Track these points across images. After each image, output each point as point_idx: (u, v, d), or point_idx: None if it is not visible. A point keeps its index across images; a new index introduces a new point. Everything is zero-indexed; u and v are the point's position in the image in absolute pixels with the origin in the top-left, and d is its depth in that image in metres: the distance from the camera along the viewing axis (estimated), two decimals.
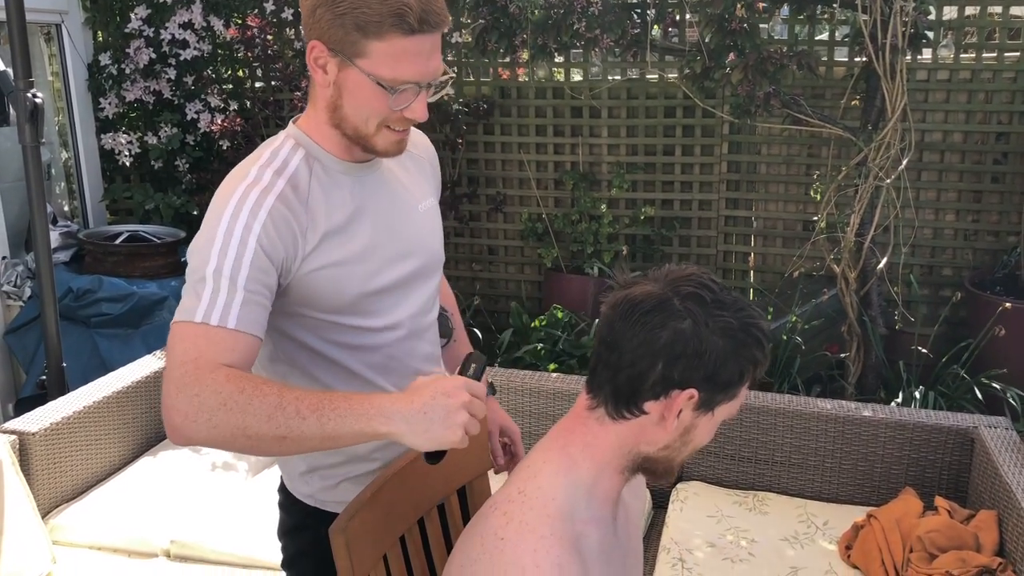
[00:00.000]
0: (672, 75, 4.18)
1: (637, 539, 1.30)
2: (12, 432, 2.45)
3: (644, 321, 1.07)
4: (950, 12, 4.06)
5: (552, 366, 3.70)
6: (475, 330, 4.23)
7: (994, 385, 3.44)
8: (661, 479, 1.19)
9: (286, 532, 1.50)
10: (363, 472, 1.42)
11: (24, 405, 3.13)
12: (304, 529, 1.45)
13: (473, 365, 1.19)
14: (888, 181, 3.46)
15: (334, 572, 1.21)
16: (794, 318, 3.79)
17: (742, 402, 1.15)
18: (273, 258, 1.20)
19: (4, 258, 3.75)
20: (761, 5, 3.53)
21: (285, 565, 1.50)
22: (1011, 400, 3.30)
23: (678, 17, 3.80)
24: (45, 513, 2.50)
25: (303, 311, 1.28)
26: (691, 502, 2.62)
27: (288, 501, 1.48)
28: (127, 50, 4.29)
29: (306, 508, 1.44)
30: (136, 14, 4.25)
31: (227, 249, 1.17)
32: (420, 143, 1.53)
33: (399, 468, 1.32)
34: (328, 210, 1.27)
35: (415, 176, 1.47)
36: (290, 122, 1.35)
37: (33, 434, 2.45)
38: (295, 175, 1.26)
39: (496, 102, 4.50)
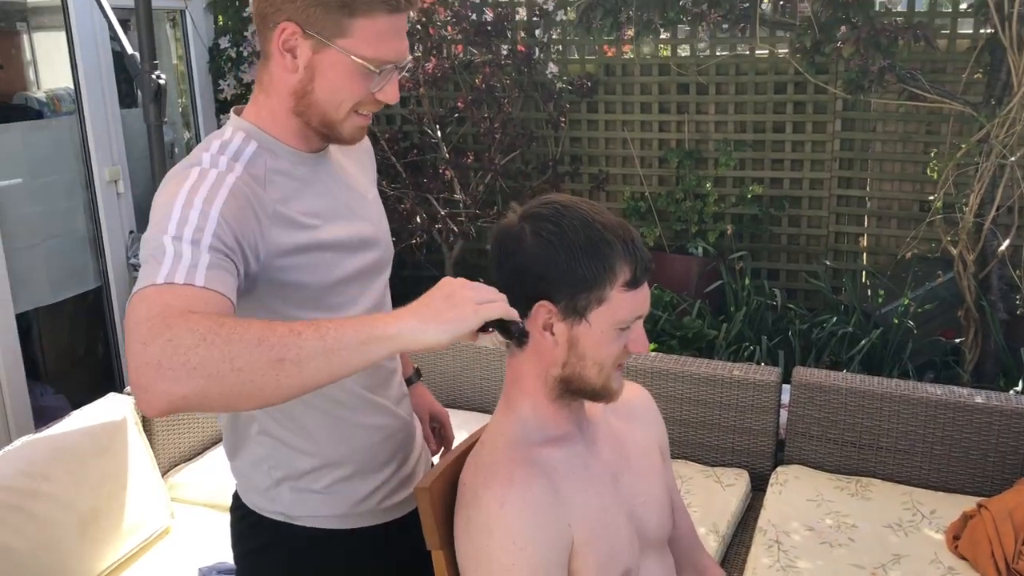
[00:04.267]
0: (782, 50, 4.06)
1: (642, 460, 1.33)
2: None
3: (500, 250, 1.19)
4: None
5: (653, 346, 3.68)
6: None
7: None
8: (600, 400, 1.24)
9: (248, 554, 1.39)
10: (338, 478, 1.33)
11: None
12: (273, 548, 1.35)
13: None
14: (1013, 159, 3.28)
15: None
16: (907, 301, 3.65)
17: (636, 308, 1.17)
18: (238, 233, 1.08)
19: (132, 232, 3.99)
20: None
21: None
22: None
23: None
24: (165, 471, 2.66)
25: (271, 304, 1.19)
26: (791, 485, 2.58)
27: (251, 520, 1.36)
28: (245, 34, 4.46)
29: (275, 524, 1.33)
30: None
31: (187, 219, 1.05)
32: None
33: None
34: (286, 198, 1.19)
35: (358, 166, 1.41)
36: (231, 114, 1.26)
37: None
38: (251, 163, 1.18)
39: (600, 80, 4.48)
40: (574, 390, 1.22)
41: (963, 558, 2.23)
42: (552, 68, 4.29)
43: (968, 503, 2.39)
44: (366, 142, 1.42)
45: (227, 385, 0.92)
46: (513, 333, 1.11)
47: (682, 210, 4.33)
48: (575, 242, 1.14)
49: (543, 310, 1.16)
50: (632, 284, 1.16)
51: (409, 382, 1.63)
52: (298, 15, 1.14)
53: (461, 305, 1.02)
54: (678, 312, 3.88)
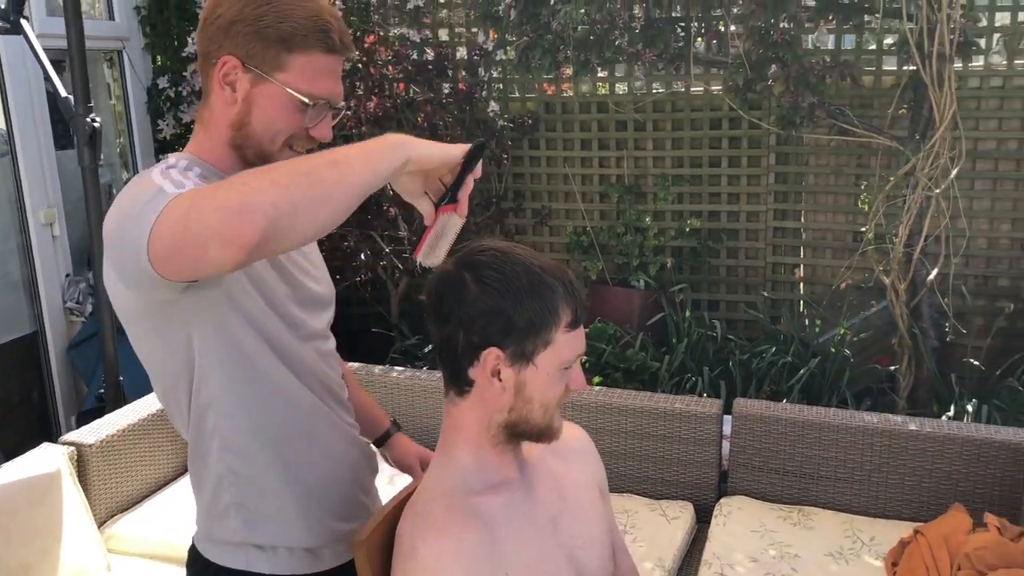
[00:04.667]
0: (716, 88, 4.17)
1: (580, 500, 1.34)
2: (70, 443, 2.55)
3: (440, 298, 1.20)
4: (1003, 18, 3.99)
5: (596, 379, 3.71)
6: None
7: None
8: (544, 440, 1.25)
9: None
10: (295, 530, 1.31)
11: (85, 418, 3.25)
12: None
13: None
14: (938, 191, 3.40)
15: None
16: (843, 330, 3.74)
17: (577, 347, 1.21)
18: None
19: (68, 276, 3.90)
20: (804, 16, 3.51)
21: None
22: None
23: (721, 29, 3.80)
24: (101, 522, 2.59)
25: (247, 289, 1.23)
26: (735, 516, 2.61)
27: (210, 572, 1.35)
28: (184, 73, 4.43)
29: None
30: (193, 38, 4.39)
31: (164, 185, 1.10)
32: None
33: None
34: None
35: None
36: (171, 155, 1.28)
37: (90, 446, 2.55)
38: (200, 181, 1.19)
39: (541, 117, 4.54)
40: (518, 433, 1.23)
41: None
42: (493, 106, 4.34)
43: (906, 528, 2.44)
44: None
45: (301, 188, 1.03)
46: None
47: (623, 244, 4.39)
48: (519, 288, 1.16)
49: (492, 357, 1.18)
50: (574, 324, 1.20)
51: (388, 435, 1.65)
52: (239, 49, 1.20)
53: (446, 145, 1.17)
54: (621, 345, 3.92)
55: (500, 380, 1.19)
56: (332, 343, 1.44)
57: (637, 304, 4.21)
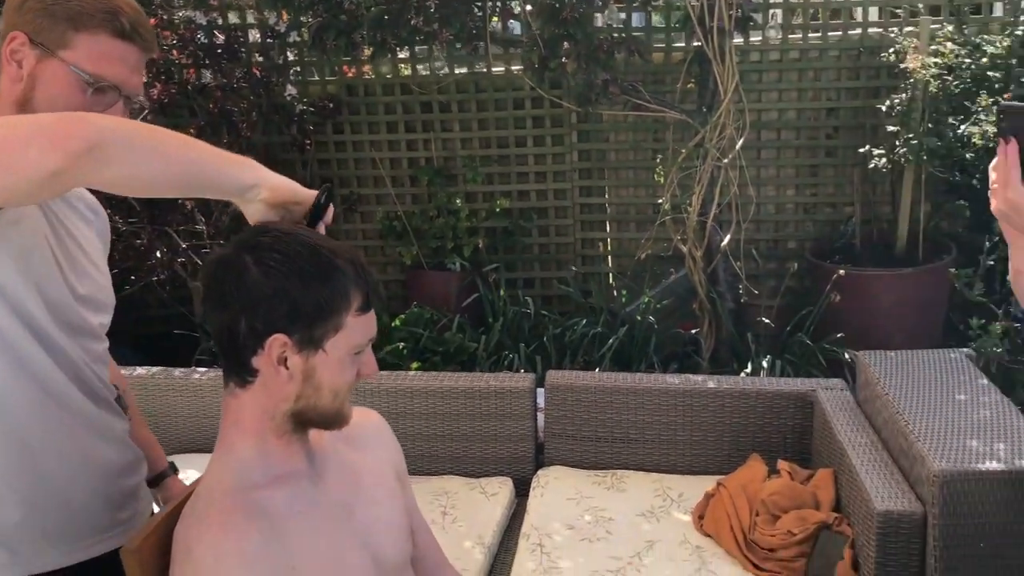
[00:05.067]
0: (516, 67, 4.21)
1: (376, 486, 1.30)
2: None
3: (219, 283, 1.12)
4: None
5: (415, 364, 3.68)
6: None
7: (834, 349, 3.62)
8: (333, 427, 1.21)
9: None
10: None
11: None
12: None
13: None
14: (726, 161, 3.58)
15: None
16: (647, 299, 3.89)
17: (369, 331, 1.18)
18: None
19: None
20: None
21: None
22: (849, 361, 3.47)
23: (516, 9, 3.83)
24: None
25: (17, 266, 1.18)
26: (552, 486, 2.64)
27: None
28: None
29: None
30: None
31: None
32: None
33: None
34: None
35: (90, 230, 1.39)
36: None
37: None
38: None
39: (343, 100, 4.43)
40: (306, 421, 1.18)
41: (708, 535, 2.38)
42: (291, 90, 4.19)
43: (710, 482, 2.55)
44: (103, 212, 1.44)
45: (142, 134, 1.06)
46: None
47: (436, 227, 4.37)
48: (306, 270, 1.10)
49: (277, 344, 1.11)
50: (365, 308, 1.15)
51: (163, 476, 1.61)
52: (28, 26, 1.21)
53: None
54: (439, 328, 3.90)
55: (287, 368, 1.12)
56: (104, 344, 1.37)
57: (453, 286, 4.21)
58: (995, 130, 2.65)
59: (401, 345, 3.77)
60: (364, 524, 1.22)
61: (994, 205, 1.39)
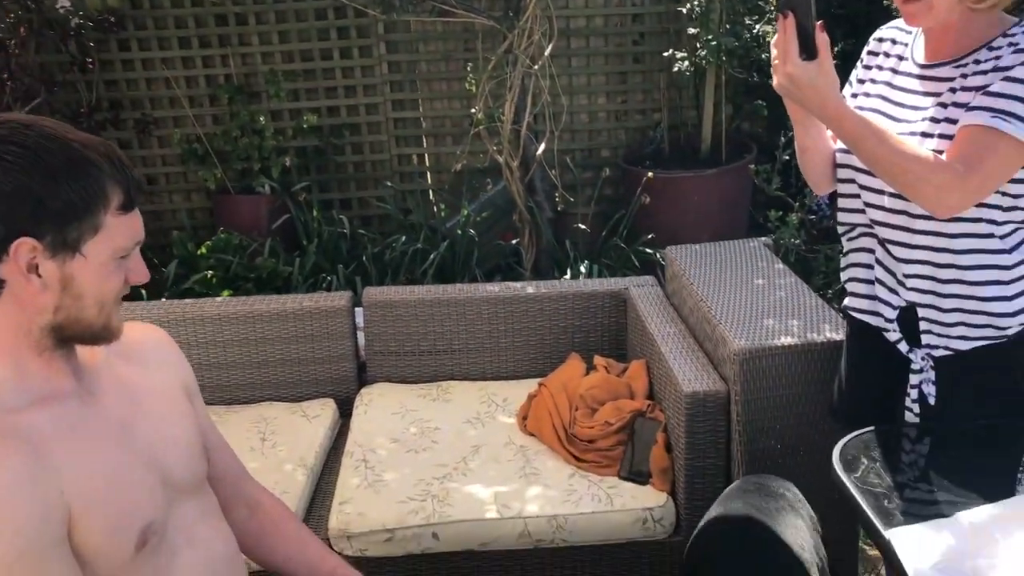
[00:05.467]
0: None
1: (160, 403, 1.21)
2: None
3: None
4: None
5: (226, 292, 3.50)
6: None
7: (647, 251, 3.73)
8: (101, 342, 1.11)
9: None
10: None
11: None
12: None
13: None
14: (536, 68, 3.55)
15: None
16: (466, 212, 3.85)
17: (134, 232, 1.09)
18: None
19: None
20: None
21: None
22: (660, 261, 3.59)
23: None
24: None
25: None
26: (375, 403, 2.59)
27: None
28: None
29: None
30: None
31: None
32: None
33: None
34: None
35: None
36: None
37: None
38: None
39: (127, 14, 4.06)
40: (69, 336, 1.07)
41: (532, 434, 2.41)
42: (64, 2, 3.79)
43: (533, 385, 2.58)
44: None
45: None
46: None
47: (241, 148, 4.13)
48: (52, 165, 0.98)
49: (24, 249, 0.99)
50: (127, 206, 1.05)
51: None
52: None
53: None
54: (249, 254, 3.72)
55: (39, 276, 1.01)
56: None
57: (263, 210, 4.02)
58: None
59: (209, 274, 3.57)
60: (148, 443, 1.13)
61: (776, 81, 1.41)
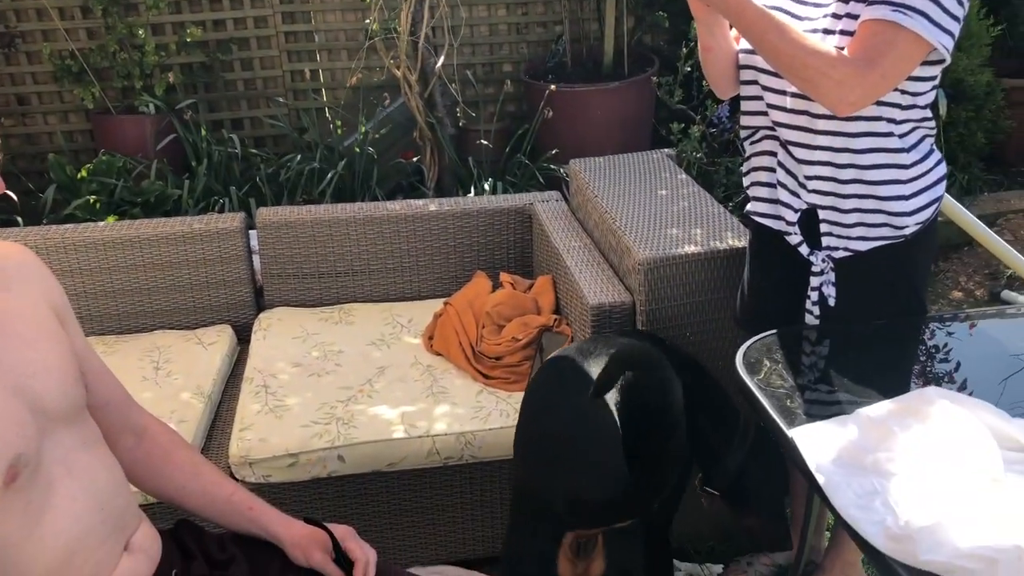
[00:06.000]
0: None
1: (23, 327, 1.10)
2: None
3: None
4: None
5: (111, 218, 3.31)
6: (10, 193, 3.63)
7: (551, 167, 3.69)
8: None
9: None
10: None
11: None
12: None
13: None
14: None
15: None
16: (364, 130, 3.72)
17: None
18: None
19: None
20: None
21: None
22: (565, 177, 3.55)
23: None
24: None
25: None
26: (275, 328, 2.51)
27: None
28: None
29: None
30: None
31: None
32: None
33: None
34: None
35: None
36: None
37: None
38: None
39: None
40: None
41: (438, 354, 2.38)
42: None
43: (439, 305, 2.54)
44: None
45: None
46: None
47: (120, 64, 3.87)
48: None
49: None
50: None
51: None
52: None
53: None
54: (135, 177, 3.52)
55: None
56: None
57: (148, 130, 3.78)
58: None
59: (92, 199, 3.36)
60: (12, 369, 1.04)
61: None
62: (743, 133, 1.67)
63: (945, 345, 1.60)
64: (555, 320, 2.25)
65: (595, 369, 1.60)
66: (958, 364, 1.53)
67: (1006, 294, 3.35)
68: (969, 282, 3.49)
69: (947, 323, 1.72)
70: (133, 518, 1.15)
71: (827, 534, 2.05)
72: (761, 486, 1.75)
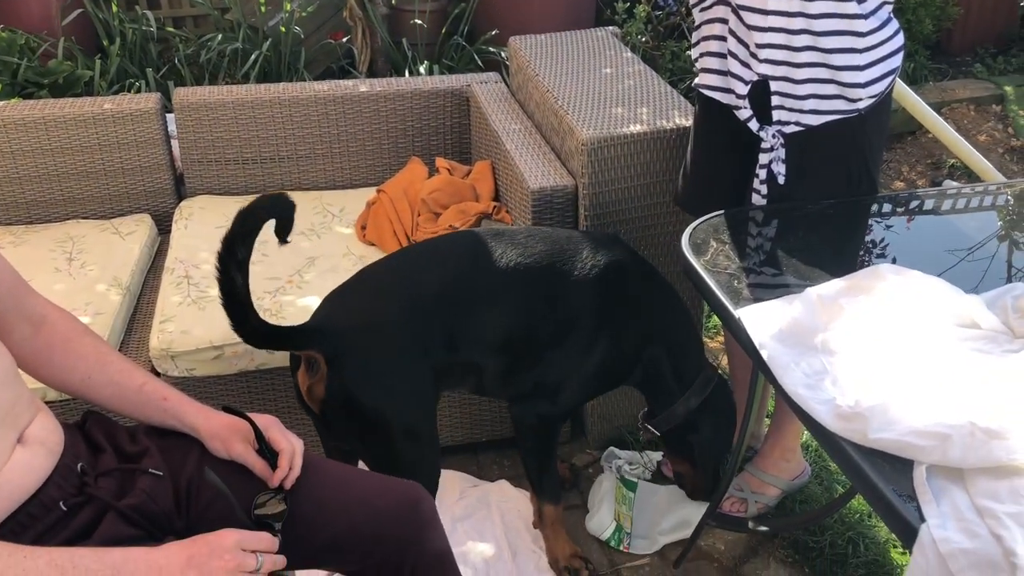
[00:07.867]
0: None
1: None
2: None
3: None
4: None
5: (15, 99, 3.06)
6: None
7: (490, 49, 3.52)
8: None
9: None
10: None
11: None
12: None
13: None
14: None
15: None
16: (290, 8, 3.48)
17: None
18: None
19: None
20: None
21: None
22: (505, 61, 3.40)
23: None
24: None
25: None
26: (197, 217, 2.37)
27: None
28: None
29: None
30: None
31: None
32: None
33: None
34: None
35: None
36: None
37: None
38: None
39: None
40: None
41: (372, 244, 2.27)
42: None
43: (371, 193, 2.42)
44: None
45: None
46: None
47: None
48: None
49: None
50: None
51: None
52: None
53: None
54: (41, 56, 3.25)
55: None
56: None
57: (55, 5, 3.49)
58: None
59: None
60: None
61: None
62: (692, 0, 1.56)
63: (895, 226, 1.55)
64: (494, 207, 2.16)
65: (511, 253, 1.63)
66: (909, 243, 1.49)
67: (947, 184, 3.36)
68: (911, 172, 3.47)
69: (901, 203, 1.67)
70: (26, 410, 1.05)
71: (767, 421, 2.05)
72: (704, 443, 1.72)
